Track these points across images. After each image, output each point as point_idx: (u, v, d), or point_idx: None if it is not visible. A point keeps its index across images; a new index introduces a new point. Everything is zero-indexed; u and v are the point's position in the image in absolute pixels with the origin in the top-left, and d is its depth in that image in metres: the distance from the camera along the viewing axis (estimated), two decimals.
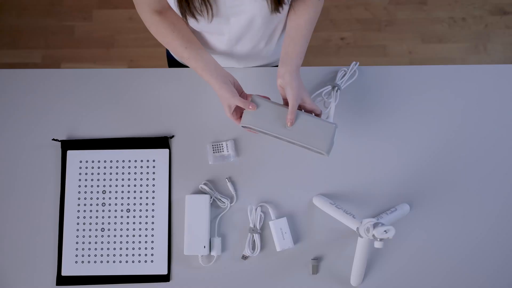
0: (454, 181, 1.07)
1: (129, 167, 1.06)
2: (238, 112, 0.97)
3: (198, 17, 0.91)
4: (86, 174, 1.06)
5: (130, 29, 2.18)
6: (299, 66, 0.96)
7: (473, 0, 2.22)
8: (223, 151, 1.07)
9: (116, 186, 1.06)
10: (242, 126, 0.95)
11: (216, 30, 1.00)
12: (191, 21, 0.93)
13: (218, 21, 0.96)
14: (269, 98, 0.96)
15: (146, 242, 1.03)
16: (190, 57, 0.96)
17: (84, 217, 1.04)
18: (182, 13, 0.91)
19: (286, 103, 0.97)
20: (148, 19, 0.97)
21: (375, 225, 0.89)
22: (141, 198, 1.05)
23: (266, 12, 0.93)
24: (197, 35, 1.06)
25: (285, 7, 0.93)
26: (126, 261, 1.03)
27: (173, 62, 1.30)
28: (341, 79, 1.09)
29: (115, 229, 1.04)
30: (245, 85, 1.01)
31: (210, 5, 0.89)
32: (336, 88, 1.07)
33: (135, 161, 1.07)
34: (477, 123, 1.10)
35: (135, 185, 1.06)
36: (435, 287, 1.03)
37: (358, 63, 1.11)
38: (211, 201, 1.04)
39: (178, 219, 1.05)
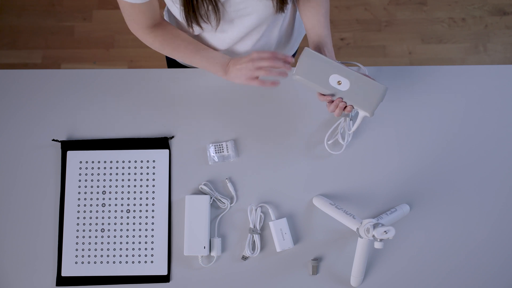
0: (454, 181, 1.07)
1: (129, 167, 1.06)
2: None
3: (203, 25, 0.91)
4: (86, 174, 1.06)
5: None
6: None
7: (473, 0, 2.22)
8: (223, 151, 1.07)
9: (116, 186, 1.06)
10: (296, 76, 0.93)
11: (218, 29, 1.00)
12: (196, 28, 0.94)
13: (221, 23, 0.96)
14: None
15: (146, 242, 1.03)
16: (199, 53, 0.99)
17: (84, 218, 1.04)
18: (188, 22, 0.91)
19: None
20: (147, 36, 0.98)
21: (375, 226, 0.89)
22: (141, 198, 1.05)
23: (270, 12, 0.93)
24: (198, 35, 1.06)
25: (289, 6, 0.93)
26: (126, 262, 1.03)
27: (172, 62, 1.30)
28: None
29: (115, 230, 1.04)
30: (247, 87, 1.00)
31: (219, 12, 0.90)
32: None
33: (135, 161, 1.07)
34: (477, 123, 1.10)
35: (135, 186, 1.06)
36: (435, 287, 1.03)
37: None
38: (211, 202, 1.04)
39: (178, 220, 1.05)
